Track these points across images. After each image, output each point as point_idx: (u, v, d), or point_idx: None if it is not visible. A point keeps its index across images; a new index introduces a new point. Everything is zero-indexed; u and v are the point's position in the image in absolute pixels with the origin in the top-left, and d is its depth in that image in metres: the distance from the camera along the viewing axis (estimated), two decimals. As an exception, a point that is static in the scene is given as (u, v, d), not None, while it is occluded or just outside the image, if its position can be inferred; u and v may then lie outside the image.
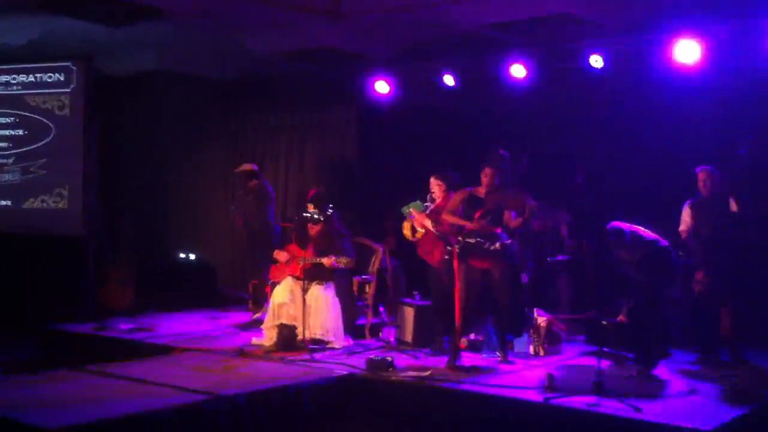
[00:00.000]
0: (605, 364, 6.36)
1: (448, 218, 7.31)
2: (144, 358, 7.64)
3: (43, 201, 10.80)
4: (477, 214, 7.18)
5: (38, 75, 10.87)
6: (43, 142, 10.81)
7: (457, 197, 7.43)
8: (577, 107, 9.73)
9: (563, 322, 8.21)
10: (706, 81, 8.59)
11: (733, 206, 7.45)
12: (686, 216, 7.84)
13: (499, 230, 7.23)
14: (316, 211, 8.20)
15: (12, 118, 11.02)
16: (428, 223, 7.86)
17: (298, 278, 8.07)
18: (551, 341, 7.83)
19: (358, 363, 7.17)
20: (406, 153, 10.88)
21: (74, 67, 10.68)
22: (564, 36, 9.32)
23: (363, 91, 10.93)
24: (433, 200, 8.16)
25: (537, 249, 8.91)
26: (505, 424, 5.98)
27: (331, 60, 10.57)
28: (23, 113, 10.94)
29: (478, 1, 8.49)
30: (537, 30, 9.12)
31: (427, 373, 6.79)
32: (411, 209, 8.06)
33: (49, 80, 10.82)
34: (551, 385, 6.21)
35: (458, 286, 7.10)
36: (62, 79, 10.73)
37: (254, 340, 8.35)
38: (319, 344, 7.86)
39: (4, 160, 11.01)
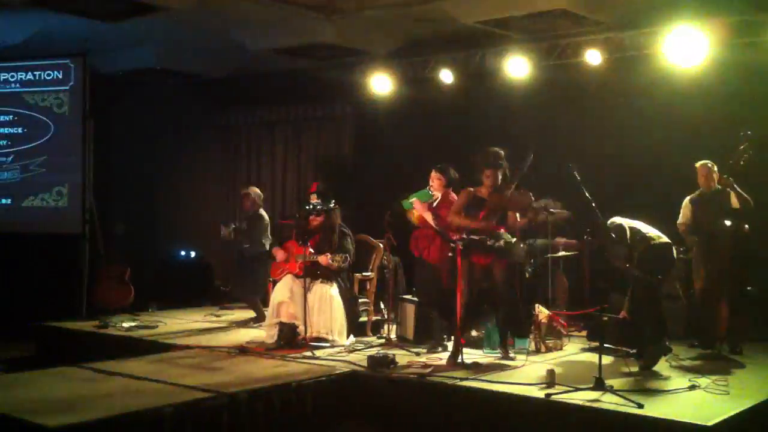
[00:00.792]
0: (606, 359, 6.34)
1: (455, 220, 7.24)
2: (144, 355, 7.63)
3: (42, 199, 10.80)
4: (481, 215, 7.17)
5: (36, 72, 10.86)
6: (42, 140, 10.80)
7: (460, 198, 7.39)
8: (574, 102, 9.72)
9: (564, 318, 8.22)
10: (704, 76, 8.61)
11: (734, 201, 7.44)
12: (686, 210, 7.85)
13: (502, 229, 7.23)
14: (319, 201, 8.20)
15: (10, 116, 11.01)
16: (429, 217, 7.83)
17: (297, 276, 8.07)
18: (552, 337, 7.84)
19: (360, 360, 7.17)
20: (403, 149, 10.87)
21: (72, 65, 10.67)
22: (561, 32, 9.33)
23: (359, 87, 10.93)
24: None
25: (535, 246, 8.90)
26: (507, 421, 5.98)
27: (327, 56, 10.57)
28: (22, 111, 10.93)
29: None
30: (535, 26, 9.12)
31: (428, 369, 6.79)
32: (414, 199, 7.99)
33: (47, 78, 10.81)
34: (552, 381, 6.20)
35: (460, 283, 7.09)
36: (60, 76, 10.73)
37: (255, 338, 8.35)
38: (321, 342, 7.86)
39: (3, 159, 11.00)
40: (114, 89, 11.81)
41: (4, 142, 11.03)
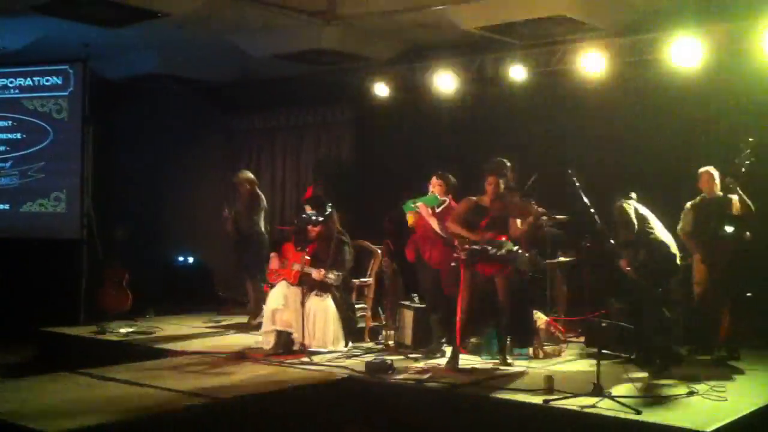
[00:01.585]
0: (605, 366, 6.32)
1: (452, 228, 7.25)
2: (142, 361, 7.62)
3: (41, 205, 10.79)
4: (482, 223, 7.16)
5: (36, 78, 10.87)
6: (41, 146, 10.80)
7: (461, 206, 7.39)
8: (574, 108, 9.71)
9: (562, 324, 8.20)
10: (706, 82, 8.61)
11: (737, 206, 7.43)
12: (687, 216, 7.84)
13: (504, 237, 7.21)
14: (313, 212, 8.18)
15: (9, 122, 11.01)
16: (434, 223, 7.81)
17: (291, 284, 8.05)
18: (550, 343, 7.82)
19: (358, 366, 7.15)
20: (404, 155, 10.86)
21: (71, 70, 10.67)
22: (561, 38, 9.33)
23: (360, 93, 10.93)
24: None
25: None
26: (505, 427, 5.96)
27: (328, 62, 10.57)
28: (21, 117, 10.93)
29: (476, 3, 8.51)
30: (535, 32, 9.12)
31: (427, 375, 6.77)
32: (420, 203, 7.96)
33: (46, 83, 10.82)
34: (550, 387, 6.18)
35: (462, 291, 7.08)
36: (60, 82, 10.73)
37: (253, 344, 8.34)
38: (319, 349, 7.84)
39: (2, 164, 11.00)
40: (115, 95, 11.82)
41: (3, 148, 11.04)
